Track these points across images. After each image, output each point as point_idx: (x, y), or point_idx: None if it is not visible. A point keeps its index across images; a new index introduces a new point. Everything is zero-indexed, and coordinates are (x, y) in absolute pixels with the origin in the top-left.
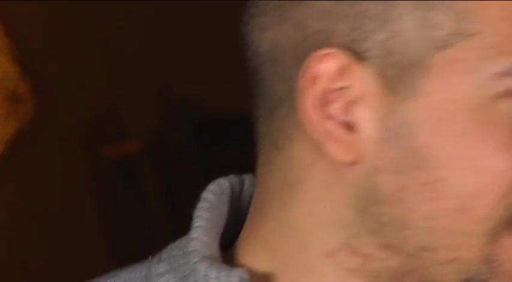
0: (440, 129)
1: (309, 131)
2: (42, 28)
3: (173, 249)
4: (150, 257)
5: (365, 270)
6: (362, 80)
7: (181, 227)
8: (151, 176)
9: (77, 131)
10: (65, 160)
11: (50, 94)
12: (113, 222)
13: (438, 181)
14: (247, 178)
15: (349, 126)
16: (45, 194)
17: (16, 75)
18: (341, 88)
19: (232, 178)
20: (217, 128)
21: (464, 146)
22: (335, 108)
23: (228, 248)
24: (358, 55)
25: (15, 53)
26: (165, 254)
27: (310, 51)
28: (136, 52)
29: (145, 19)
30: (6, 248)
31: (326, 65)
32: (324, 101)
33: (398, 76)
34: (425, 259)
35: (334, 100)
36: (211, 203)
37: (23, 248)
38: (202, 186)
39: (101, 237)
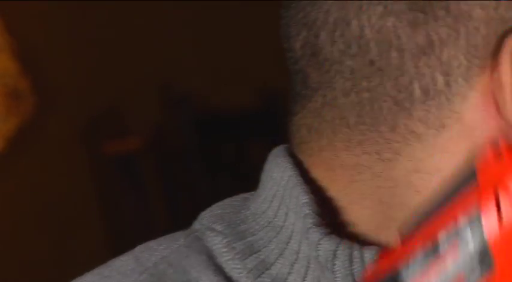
0: None
1: (485, 118)
2: (43, 25)
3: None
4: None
5: None
6: None
7: (181, 222)
8: (152, 173)
9: (78, 128)
10: (66, 157)
11: (51, 91)
12: (114, 219)
13: None
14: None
15: None
16: (46, 190)
17: (16, 72)
18: None
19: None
20: (217, 125)
21: None
22: None
23: None
24: None
25: (16, 50)
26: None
27: (493, 39)
28: (137, 50)
29: (146, 17)
30: (7, 245)
31: None
32: None
33: None
34: None
35: None
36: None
37: (24, 245)
38: (202, 183)
39: (101, 234)
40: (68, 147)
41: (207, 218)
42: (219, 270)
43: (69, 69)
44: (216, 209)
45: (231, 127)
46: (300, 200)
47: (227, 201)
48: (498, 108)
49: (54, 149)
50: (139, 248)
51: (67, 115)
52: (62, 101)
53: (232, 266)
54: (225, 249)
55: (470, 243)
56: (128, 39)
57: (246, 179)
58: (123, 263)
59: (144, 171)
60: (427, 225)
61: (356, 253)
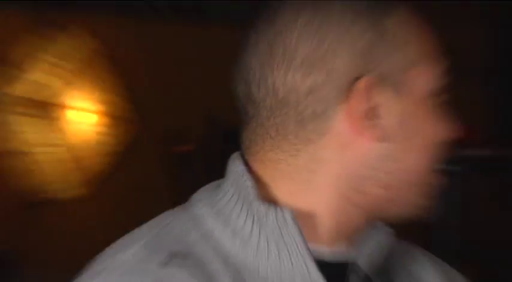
0: (419, 114)
1: (347, 127)
2: (142, 69)
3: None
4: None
5: (364, 203)
6: (382, 90)
7: None
8: (201, 166)
9: (158, 139)
10: (150, 157)
11: (143, 115)
12: (178, 199)
13: (424, 142)
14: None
15: (378, 118)
16: (141, 181)
17: (122, 101)
18: (373, 96)
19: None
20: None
21: (427, 123)
22: (369, 108)
23: None
24: (378, 77)
25: (122, 86)
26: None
27: (349, 83)
28: (191, 84)
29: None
30: (116, 224)
31: (368, 88)
32: (367, 108)
33: (400, 82)
34: (407, 188)
35: (370, 105)
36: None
37: (120, 225)
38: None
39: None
40: (151, 151)
41: (194, 198)
42: (198, 226)
43: (154, 99)
44: (200, 192)
45: None
46: (246, 183)
47: (208, 186)
48: (356, 122)
49: (144, 153)
50: (156, 219)
51: (152, 131)
52: (149, 122)
53: (212, 222)
54: (207, 211)
55: None
56: (192, 75)
57: None
58: (140, 230)
59: (196, 166)
60: None
61: (278, 211)
